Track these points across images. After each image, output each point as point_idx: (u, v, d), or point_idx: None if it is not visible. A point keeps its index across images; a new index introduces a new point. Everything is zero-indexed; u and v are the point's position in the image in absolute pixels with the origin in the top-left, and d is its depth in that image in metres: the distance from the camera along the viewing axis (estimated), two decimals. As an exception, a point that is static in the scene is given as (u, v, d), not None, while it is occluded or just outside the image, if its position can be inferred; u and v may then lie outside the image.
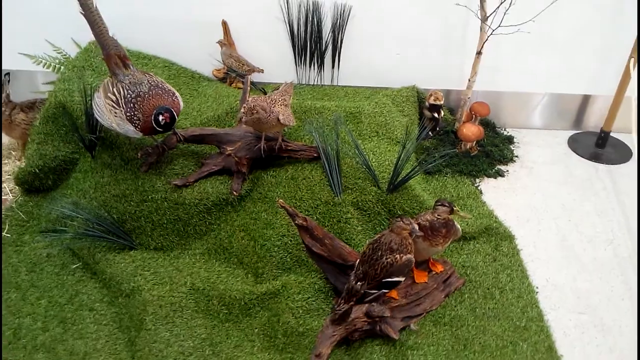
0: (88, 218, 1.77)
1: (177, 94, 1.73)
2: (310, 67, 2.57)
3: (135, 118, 1.64)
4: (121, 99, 1.65)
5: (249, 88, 1.96)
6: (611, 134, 2.53)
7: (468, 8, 2.23)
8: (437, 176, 2.29)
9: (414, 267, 1.66)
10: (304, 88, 2.52)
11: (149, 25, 2.44)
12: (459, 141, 2.42)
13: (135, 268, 1.73)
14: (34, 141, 2.00)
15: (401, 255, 1.50)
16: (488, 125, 2.60)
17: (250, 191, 1.88)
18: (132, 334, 1.58)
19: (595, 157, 2.49)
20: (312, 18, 2.43)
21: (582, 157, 2.51)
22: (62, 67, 2.38)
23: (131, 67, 1.71)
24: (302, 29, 2.46)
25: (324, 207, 1.82)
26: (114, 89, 1.67)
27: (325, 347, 1.46)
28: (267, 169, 1.92)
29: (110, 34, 1.69)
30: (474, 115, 2.47)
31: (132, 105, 1.64)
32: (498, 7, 2.15)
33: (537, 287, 1.79)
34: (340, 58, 2.53)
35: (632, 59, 2.25)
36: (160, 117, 1.62)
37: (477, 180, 2.32)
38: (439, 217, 1.59)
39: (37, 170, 1.99)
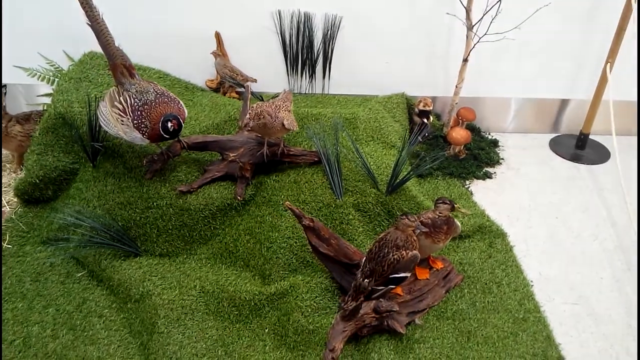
0: (93, 226, 1.79)
1: (181, 102, 1.77)
2: (302, 76, 2.64)
3: (142, 126, 1.68)
4: (128, 108, 1.69)
5: (249, 96, 2.01)
6: (590, 136, 2.66)
7: (457, 17, 2.33)
8: (428, 179, 2.37)
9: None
10: (296, 97, 2.58)
11: (142, 37, 2.48)
12: (448, 145, 2.52)
13: (143, 274, 1.75)
14: (34, 152, 2.00)
15: (407, 251, 1.56)
16: (473, 129, 2.71)
17: (254, 196, 1.92)
18: (144, 338, 1.60)
19: (576, 158, 2.62)
20: (304, 29, 2.50)
21: (563, 158, 2.63)
22: (56, 80, 2.39)
23: (137, 76, 1.74)
24: (294, 39, 2.53)
25: (327, 209, 1.87)
26: (121, 98, 1.70)
27: (337, 341, 1.51)
28: (269, 174, 1.96)
29: (116, 44, 1.72)
30: (460, 120, 2.57)
31: (139, 113, 1.68)
32: (483, 16, 2.26)
33: (531, 281, 1.88)
34: (331, 67, 2.61)
35: (609, 64, 2.38)
36: (169, 124, 1.66)
37: (467, 182, 2.41)
38: (440, 214, 1.67)
39: (37, 181, 1.99)
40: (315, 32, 2.51)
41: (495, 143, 2.69)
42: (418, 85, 2.66)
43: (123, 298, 1.72)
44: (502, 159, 2.60)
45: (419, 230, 1.57)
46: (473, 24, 2.29)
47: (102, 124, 1.75)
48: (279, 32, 2.51)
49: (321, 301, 1.69)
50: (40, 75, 2.36)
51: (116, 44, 1.72)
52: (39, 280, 1.80)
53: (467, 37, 2.34)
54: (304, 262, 1.80)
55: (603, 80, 2.46)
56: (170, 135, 1.70)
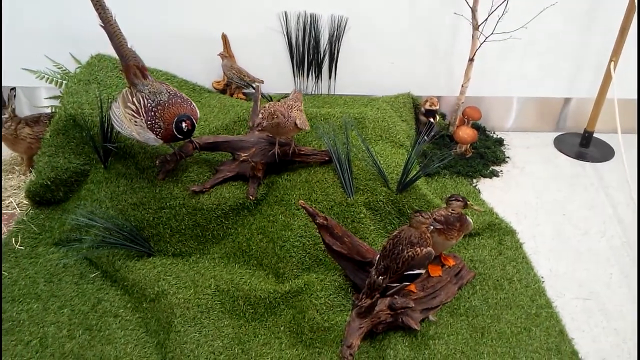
0: (107, 226, 1.79)
1: (193, 103, 1.78)
2: (307, 77, 2.65)
3: (156, 126, 1.69)
4: (141, 108, 1.69)
5: (259, 96, 2.02)
6: (594, 135, 2.68)
7: (464, 17, 2.35)
8: (436, 178, 2.39)
9: (428, 261, 1.74)
10: (303, 97, 2.59)
11: (149, 39, 2.48)
12: (454, 144, 2.54)
13: (158, 274, 1.75)
14: (45, 154, 2.01)
15: (421, 248, 1.57)
16: (479, 128, 2.73)
17: (266, 195, 1.93)
18: (160, 337, 1.60)
19: (580, 156, 2.64)
20: (310, 30, 2.52)
21: (568, 156, 2.65)
22: (64, 82, 2.39)
23: (149, 77, 1.75)
24: (300, 40, 2.54)
25: (338, 207, 1.89)
26: (134, 99, 1.71)
27: (354, 338, 1.52)
28: (280, 173, 1.98)
29: (129, 46, 1.73)
30: (466, 120, 2.59)
31: (152, 113, 1.69)
32: (488, 16, 2.28)
33: (542, 277, 1.89)
34: (337, 68, 2.63)
35: (612, 62, 2.41)
36: (183, 124, 1.67)
37: (474, 180, 2.43)
38: (453, 211, 1.68)
39: (48, 183, 2.00)
40: (322, 33, 2.53)
41: (500, 142, 2.71)
42: (423, 85, 2.68)
43: (138, 298, 1.72)
44: (508, 157, 2.62)
45: (432, 227, 1.59)
46: (479, 23, 2.31)
47: (115, 124, 1.76)
48: (285, 33, 2.53)
49: (335, 299, 1.70)
50: (48, 78, 2.36)
51: (129, 45, 1.73)
52: (52, 281, 1.80)
53: (472, 36, 2.36)
54: (316, 261, 1.82)
55: (607, 78, 2.48)
56: (183, 136, 1.71)
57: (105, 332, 1.63)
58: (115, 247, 1.83)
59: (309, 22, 2.51)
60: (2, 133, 2.15)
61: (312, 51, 2.57)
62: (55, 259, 1.89)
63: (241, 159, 1.91)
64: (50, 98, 2.45)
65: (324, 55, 2.58)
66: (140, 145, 1.94)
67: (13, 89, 2.15)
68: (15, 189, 2.22)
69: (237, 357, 1.55)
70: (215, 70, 2.60)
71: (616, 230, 2.14)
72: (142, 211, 1.86)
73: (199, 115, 1.80)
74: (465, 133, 2.43)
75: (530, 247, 2.04)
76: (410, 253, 1.57)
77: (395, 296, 1.62)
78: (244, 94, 2.60)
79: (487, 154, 2.55)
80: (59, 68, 2.45)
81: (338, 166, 1.92)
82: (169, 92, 1.73)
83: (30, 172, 2.29)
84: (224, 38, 2.51)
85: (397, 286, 1.61)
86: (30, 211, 2.06)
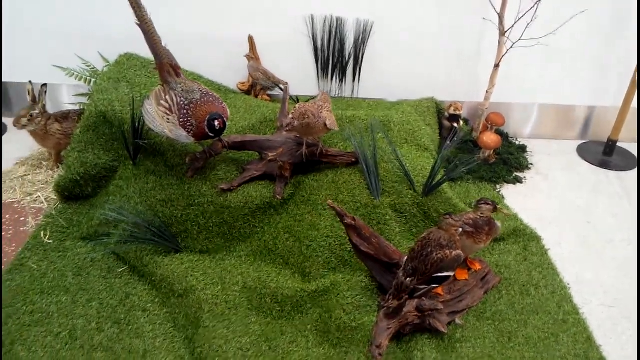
0: (136, 222, 1.81)
1: (224, 102, 1.80)
2: (332, 80, 2.67)
3: (188, 124, 1.70)
4: (174, 106, 1.72)
5: (287, 97, 2.04)
6: (617, 143, 2.67)
7: (492, 22, 2.35)
8: (459, 182, 2.39)
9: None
10: (310, 98, 2.60)
11: (176, 40, 2.50)
12: (478, 149, 2.54)
13: (186, 270, 1.77)
14: (74, 149, 2.04)
15: (450, 250, 1.58)
16: (502, 135, 2.72)
17: (293, 195, 1.94)
18: (189, 332, 1.62)
19: (604, 164, 2.63)
20: (336, 33, 2.54)
21: (591, 164, 2.64)
22: (92, 80, 2.43)
23: (182, 75, 1.78)
24: (326, 43, 2.56)
25: (364, 209, 1.89)
26: (167, 97, 1.73)
27: (383, 338, 1.52)
28: (307, 174, 1.99)
29: (163, 44, 1.75)
30: (489, 125, 2.59)
31: (185, 111, 1.71)
32: (516, 22, 2.29)
33: (568, 284, 1.88)
34: (361, 71, 2.64)
35: (638, 71, 2.40)
36: (216, 123, 1.68)
37: (498, 186, 2.43)
38: (482, 215, 1.68)
39: (78, 178, 2.02)
40: (347, 36, 2.55)
41: (523, 148, 2.71)
42: (445, 90, 2.68)
43: (166, 293, 1.74)
44: (531, 164, 2.61)
45: (461, 230, 1.59)
46: (505, 29, 2.32)
47: (147, 122, 1.78)
48: (311, 36, 2.55)
49: (361, 299, 1.70)
50: (77, 75, 2.40)
51: (163, 44, 1.75)
52: (81, 275, 1.82)
53: (499, 42, 2.36)
54: (342, 261, 1.82)
55: (632, 87, 2.47)
56: (215, 134, 1.73)
57: (133, 326, 1.64)
58: (143, 243, 1.84)
59: (334, 26, 2.53)
60: (33, 128, 2.18)
61: (337, 54, 2.59)
62: (83, 252, 1.91)
63: (268, 159, 1.93)
64: (77, 95, 2.48)
65: (349, 59, 2.60)
66: (169, 142, 1.97)
67: (44, 85, 2.19)
68: (43, 184, 2.25)
69: (265, 355, 1.56)
70: (240, 71, 2.63)
71: (642, 238, 2.13)
72: (171, 208, 1.88)
73: (229, 114, 1.82)
74: (490, 139, 2.43)
75: (555, 253, 2.03)
76: (439, 255, 1.57)
77: (422, 298, 1.62)
78: (268, 95, 2.62)
79: (510, 160, 2.55)
80: (87, 66, 2.49)
81: (365, 168, 1.93)
82: (201, 91, 1.75)
83: (58, 167, 2.32)
84: (251, 40, 2.53)
85: (425, 288, 1.61)
86: (59, 205, 2.09)
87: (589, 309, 1.80)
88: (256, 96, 2.60)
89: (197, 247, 1.89)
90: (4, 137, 2.63)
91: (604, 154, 2.70)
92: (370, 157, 1.94)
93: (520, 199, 2.36)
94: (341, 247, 1.83)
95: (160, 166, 1.96)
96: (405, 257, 1.67)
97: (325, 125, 1.78)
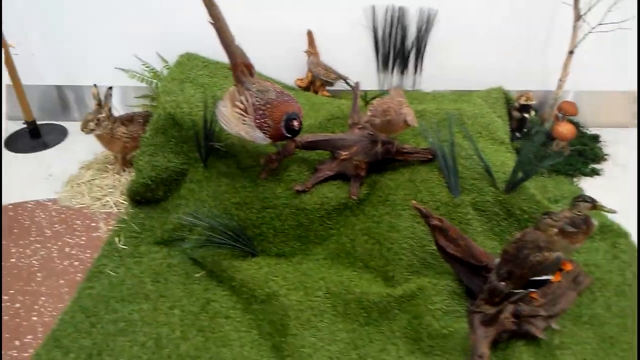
0: (213, 226, 1.78)
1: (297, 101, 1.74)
2: (392, 72, 2.58)
3: (265, 125, 1.66)
4: (249, 107, 1.67)
5: (359, 93, 1.97)
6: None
7: (568, 4, 2.21)
8: (534, 177, 2.27)
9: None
10: (380, 93, 2.52)
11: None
12: (551, 141, 2.42)
13: (265, 274, 1.73)
14: (145, 153, 2.01)
15: (550, 252, 1.49)
16: (572, 124, 2.59)
17: (369, 195, 1.88)
18: (275, 340, 1.58)
19: (685, 153, 2.48)
20: (398, 24, 2.44)
21: (672, 153, 2.49)
22: (153, 82, 2.41)
23: (255, 75, 1.72)
24: (387, 34, 2.47)
25: (444, 208, 1.81)
26: (242, 97, 1.69)
27: (484, 347, 1.45)
28: (381, 172, 1.92)
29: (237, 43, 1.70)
30: (561, 115, 2.47)
31: (261, 112, 1.66)
32: (593, 5, 2.15)
33: (665, 283, 1.77)
34: (423, 62, 2.55)
35: None
36: (295, 123, 1.63)
37: (575, 179, 2.31)
38: (579, 213, 1.58)
39: (149, 182, 2.00)
40: (409, 26, 2.45)
41: (596, 138, 2.57)
42: (511, 79, 2.56)
43: (247, 299, 1.70)
44: (607, 154, 2.48)
45: (556, 230, 1.50)
46: (582, 13, 2.19)
47: (221, 124, 1.74)
48: (371, 27, 2.46)
49: (450, 304, 1.63)
50: (139, 77, 2.38)
51: (236, 43, 1.70)
52: (159, 281, 1.80)
53: (574, 27, 2.23)
54: (425, 263, 1.75)
55: None
56: (292, 135, 1.68)
57: (218, 334, 1.61)
58: (219, 247, 1.81)
59: (396, 16, 2.44)
60: (100, 132, 2.16)
61: (398, 46, 2.50)
62: (159, 258, 1.89)
63: (341, 158, 1.87)
64: (139, 97, 2.46)
65: (411, 50, 2.50)
66: (241, 144, 1.93)
67: (110, 88, 2.17)
68: (110, 188, 2.24)
69: (355, 363, 1.51)
70: (298, 67, 2.57)
71: None
72: (246, 211, 1.84)
73: (302, 113, 1.76)
74: (566, 129, 2.31)
75: (647, 250, 1.91)
76: (538, 258, 1.49)
77: (519, 303, 1.54)
78: (328, 91, 2.55)
79: (585, 151, 2.42)
80: (146, 67, 2.47)
81: (443, 165, 1.85)
82: (276, 90, 1.70)
83: (124, 170, 2.31)
84: (310, 35, 2.46)
85: (521, 292, 1.53)
86: (130, 210, 2.08)
87: (692, 311, 1.68)
88: (315, 92, 2.54)
89: (273, 251, 1.85)
90: (65, 141, 2.64)
91: (685, 141, 2.54)
92: (448, 153, 1.86)
93: (599, 193, 2.19)
94: (423, 249, 1.76)
95: (232, 168, 1.92)
96: (497, 260, 1.59)
97: (406, 121, 1.70)
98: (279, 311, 1.62)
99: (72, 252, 1.96)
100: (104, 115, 2.15)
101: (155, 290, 1.77)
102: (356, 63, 2.55)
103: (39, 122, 2.63)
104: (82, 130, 2.14)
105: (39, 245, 1.98)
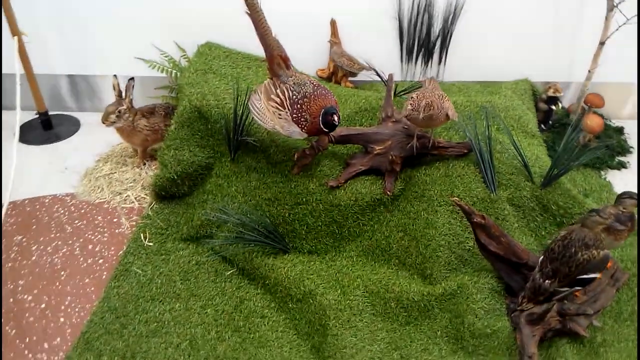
0: (244, 222, 1.73)
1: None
2: (415, 63, 2.52)
3: (302, 119, 1.60)
4: (286, 100, 1.61)
5: (392, 86, 1.92)
6: None
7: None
8: (561, 170, 2.25)
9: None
10: (412, 84, 2.47)
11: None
12: (578, 133, 2.38)
13: (300, 272, 1.69)
14: (170, 147, 1.95)
15: (598, 250, 1.46)
16: (600, 117, 2.55)
17: (404, 190, 1.84)
18: (315, 340, 1.54)
19: None
20: (424, 13, 2.38)
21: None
22: (173, 72, 2.34)
23: (292, 67, 1.66)
24: (413, 24, 2.41)
25: (481, 204, 1.78)
26: (278, 91, 1.63)
27: (532, 347, 1.42)
28: (415, 167, 1.87)
29: (273, 35, 1.64)
30: (588, 107, 2.43)
31: (298, 106, 1.60)
32: (627, -5, 2.11)
33: (703, 279, 1.75)
34: (448, 53, 2.49)
35: None
36: (335, 117, 1.57)
37: (602, 172, 2.28)
38: (624, 210, 1.55)
39: (175, 176, 1.95)
40: (435, 16, 2.39)
41: (620, 131, 2.54)
42: (537, 70, 2.52)
43: (282, 297, 1.66)
44: (632, 147, 2.45)
45: (616, 228, 1.47)
46: (615, 3, 2.14)
47: (255, 118, 1.68)
48: (397, 17, 2.40)
49: (490, 303, 1.60)
50: (159, 67, 2.30)
51: (273, 34, 1.64)
52: (189, 279, 1.76)
53: (606, 18, 2.19)
54: (462, 260, 1.72)
55: None
56: (329, 129, 1.62)
57: (255, 334, 1.57)
58: (249, 244, 1.76)
59: (423, 5, 2.37)
60: (121, 125, 2.10)
61: (423, 36, 2.44)
62: (187, 255, 1.84)
63: (375, 152, 1.82)
64: (159, 88, 2.39)
65: (436, 40, 2.45)
66: (270, 138, 1.87)
67: (132, 79, 2.10)
68: (131, 182, 2.18)
69: (398, 364, 1.48)
70: (319, 57, 2.50)
71: None
72: (278, 207, 1.79)
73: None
74: (594, 122, 2.28)
75: (681, 246, 1.89)
76: (585, 256, 1.46)
77: (564, 301, 1.51)
78: (351, 82, 2.50)
79: (612, 144, 2.39)
80: (165, 57, 2.39)
81: (480, 159, 1.81)
82: (313, 84, 1.64)
83: (144, 164, 2.25)
84: (333, 24, 2.40)
85: (566, 291, 1.50)
86: (155, 205, 2.02)
87: None
88: (337, 83, 2.48)
89: (306, 248, 1.80)
90: (78, 133, 2.57)
91: None
92: (485, 147, 1.82)
93: (628, 186, 2.21)
94: (460, 246, 1.72)
95: (262, 163, 1.87)
96: (541, 258, 1.56)
97: (447, 115, 1.65)
98: (317, 311, 1.58)
99: (96, 249, 1.90)
100: (125, 107, 2.09)
101: (185, 289, 1.72)
102: (378, 53, 2.49)
103: (50, 113, 2.55)
104: (103, 123, 2.08)
105: (60, 242, 1.93)
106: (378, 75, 2.14)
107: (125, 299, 1.69)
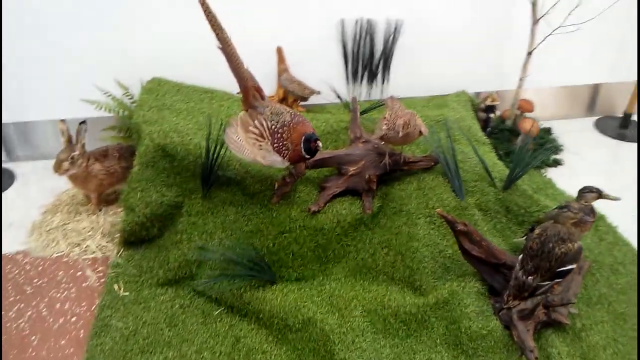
0: (229, 257, 1.69)
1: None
2: (361, 83, 2.62)
3: (283, 148, 1.60)
4: (265, 131, 1.61)
5: (358, 108, 1.98)
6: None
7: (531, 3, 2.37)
8: (507, 172, 2.42)
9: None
10: (360, 104, 2.55)
11: (198, 55, 2.35)
12: (515, 137, 2.58)
13: (295, 301, 1.67)
14: (135, 189, 1.86)
15: (572, 243, 1.59)
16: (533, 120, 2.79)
17: (381, 207, 1.88)
18: (323, 368, 1.53)
19: (622, 137, 2.77)
20: (366, 35, 2.49)
21: (612, 138, 2.77)
22: (120, 111, 2.24)
23: (267, 98, 1.67)
24: (356, 46, 2.50)
25: (454, 212, 1.87)
26: (256, 122, 1.62)
27: (530, 340, 1.51)
28: (388, 183, 1.93)
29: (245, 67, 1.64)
30: (519, 112, 2.65)
31: (279, 135, 1.60)
32: (549, 10, 2.33)
33: (647, 256, 1.96)
34: (390, 71, 2.61)
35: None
36: (319, 143, 1.59)
37: (542, 171, 2.49)
38: (586, 203, 1.71)
39: (144, 220, 1.85)
40: (377, 37, 2.50)
41: (549, 131, 2.79)
42: (470, 82, 2.71)
43: (280, 329, 1.63)
44: (561, 145, 2.69)
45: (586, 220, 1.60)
46: (538, 18, 2.36)
47: (234, 151, 1.66)
48: (341, 40, 2.48)
49: (479, 305, 1.68)
50: (106, 107, 2.20)
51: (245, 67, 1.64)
52: (176, 325, 1.68)
53: (532, 31, 2.41)
54: (445, 268, 1.79)
55: (648, 61, 2.61)
56: (310, 156, 1.64)
57: (260, 372, 1.53)
58: (235, 279, 1.72)
59: (365, 29, 2.48)
60: (74, 171, 1.97)
61: (367, 56, 2.54)
62: (168, 300, 1.76)
63: (350, 173, 1.86)
64: (107, 129, 2.27)
65: (380, 60, 2.56)
66: (245, 170, 1.85)
67: (83, 122, 1.98)
68: (89, 231, 2.05)
69: (407, 378, 1.51)
70: (268, 84, 2.51)
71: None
72: (261, 238, 1.77)
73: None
74: (532, 125, 2.48)
75: (624, 230, 2.10)
76: (563, 249, 1.58)
77: (547, 294, 1.62)
78: (302, 106, 2.53)
79: (546, 144, 2.61)
80: (108, 96, 2.29)
81: (448, 170, 1.91)
82: (289, 112, 1.65)
83: (100, 210, 2.12)
84: (280, 51, 2.43)
85: (548, 284, 1.62)
86: (123, 252, 1.91)
87: (677, 279, 1.88)
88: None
89: (293, 276, 1.79)
90: (15, 184, 2.37)
91: (620, 127, 2.84)
92: (450, 158, 1.92)
93: (565, 181, 2.42)
94: (441, 254, 1.80)
95: (238, 195, 1.84)
96: (521, 256, 1.67)
97: (421, 132, 1.73)
98: (320, 337, 1.57)
99: (65, 307, 1.76)
100: (78, 152, 1.96)
101: (175, 336, 1.64)
102: (324, 76, 2.55)
103: (-21, 167, 2.34)
104: (56, 172, 1.94)
105: (22, 305, 1.76)
106: (339, 97, 2.19)
107: (112, 355, 1.58)
